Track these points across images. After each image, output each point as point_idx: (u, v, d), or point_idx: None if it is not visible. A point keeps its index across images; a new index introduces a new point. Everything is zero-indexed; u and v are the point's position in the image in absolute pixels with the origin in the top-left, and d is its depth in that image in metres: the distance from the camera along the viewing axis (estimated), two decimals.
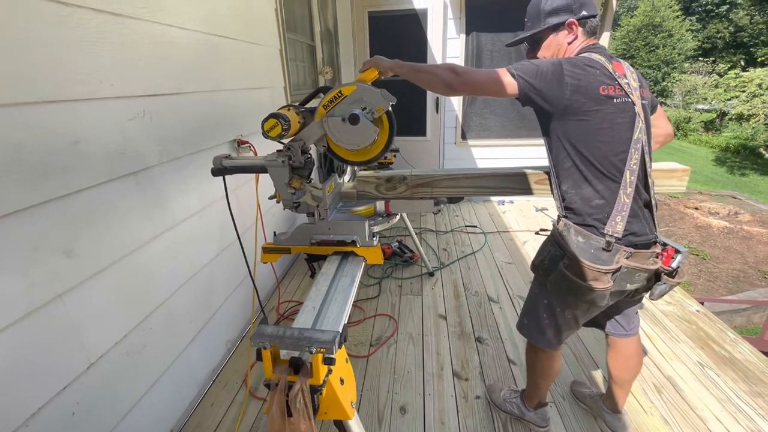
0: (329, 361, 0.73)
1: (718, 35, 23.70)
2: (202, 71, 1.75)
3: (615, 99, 1.08)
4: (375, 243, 1.27)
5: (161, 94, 1.48)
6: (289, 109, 1.32)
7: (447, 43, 4.03)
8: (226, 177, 1.42)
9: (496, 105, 4.23)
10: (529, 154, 4.30)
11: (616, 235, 1.10)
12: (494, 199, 4.53)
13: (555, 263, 1.21)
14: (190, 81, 1.66)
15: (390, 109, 1.21)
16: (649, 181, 1.15)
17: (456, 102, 4.25)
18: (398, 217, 1.41)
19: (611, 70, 1.09)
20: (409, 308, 2.44)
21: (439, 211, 1.39)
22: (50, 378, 1.06)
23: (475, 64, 4.07)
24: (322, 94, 1.32)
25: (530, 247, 3.27)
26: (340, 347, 0.73)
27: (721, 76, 19.28)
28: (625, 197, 1.10)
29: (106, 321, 1.24)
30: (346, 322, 0.89)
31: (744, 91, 14.13)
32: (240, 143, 2.08)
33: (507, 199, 4.49)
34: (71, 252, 1.11)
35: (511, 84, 1.10)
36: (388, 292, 2.63)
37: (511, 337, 2.14)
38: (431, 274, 2.83)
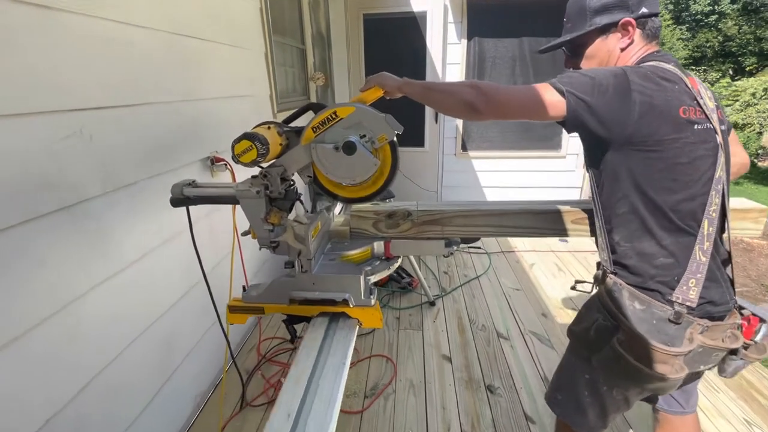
0: None
1: (708, 44, 24.01)
2: (166, 78, 1.47)
3: (696, 125, 0.82)
4: (373, 302, 0.99)
5: (108, 107, 1.19)
6: (269, 128, 1.06)
7: (447, 48, 3.78)
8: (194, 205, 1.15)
9: None
10: (534, 167, 4.07)
11: (688, 304, 0.84)
12: None
13: (605, 336, 0.93)
14: (149, 90, 1.37)
15: (395, 139, 0.97)
16: (727, 231, 0.90)
17: None
18: (399, 261, 1.14)
19: (690, 86, 0.83)
20: (408, 346, 2.16)
21: (451, 254, 1.12)
22: None
23: (477, 72, 3.83)
24: (312, 113, 1.07)
25: (538, 270, 3.02)
26: None
27: (712, 84, 19.45)
28: (702, 255, 0.84)
29: (15, 410, 0.94)
30: None
31: (737, 100, 14.15)
32: (215, 161, 1.79)
33: None
34: None
35: (556, 103, 0.84)
36: (385, 326, 2.34)
37: (526, 385, 1.87)
38: (432, 304, 2.56)
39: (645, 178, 0.85)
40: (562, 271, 2.98)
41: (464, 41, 3.75)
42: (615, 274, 0.94)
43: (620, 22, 0.91)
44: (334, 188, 1.17)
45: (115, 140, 1.22)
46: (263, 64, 2.41)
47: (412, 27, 3.79)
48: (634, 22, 0.90)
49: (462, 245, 3.59)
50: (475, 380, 1.91)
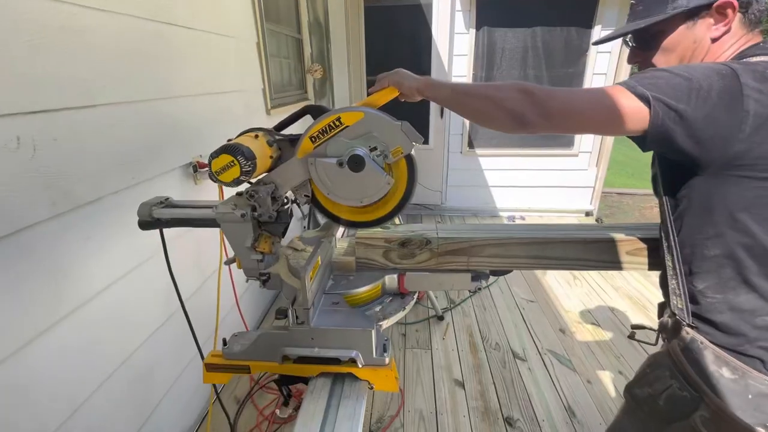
0: None
1: None
2: (136, 72, 1.24)
3: None
4: (387, 360, 0.79)
5: (55, 110, 0.97)
6: (256, 137, 0.86)
7: (454, 38, 3.54)
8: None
9: None
10: (545, 165, 3.85)
11: None
12: (503, 214, 4.08)
13: (680, 409, 0.74)
14: (113, 87, 1.14)
15: (413, 152, 0.81)
16: None
17: None
18: (415, 298, 0.93)
19: None
20: (416, 369, 1.97)
21: (479, 289, 0.91)
22: None
23: (486, 65, 3.59)
24: (311, 118, 0.88)
25: (551, 278, 2.82)
26: None
27: None
28: None
29: None
30: None
31: None
32: (198, 167, 1.57)
33: (517, 214, 4.04)
34: None
35: (635, 113, 0.63)
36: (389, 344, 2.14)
37: (549, 417, 1.68)
38: (441, 318, 2.36)
39: (752, 214, 0.64)
40: (578, 280, 2.79)
41: (472, 31, 3.50)
42: (695, 328, 0.74)
43: (715, 4, 0.69)
44: (336, 210, 0.96)
45: (68, 150, 1.00)
46: (255, 55, 2.18)
47: (416, 16, 3.53)
48: (735, 3, 0.68)
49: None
50: (492, 411, 1.72)
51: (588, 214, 4.05)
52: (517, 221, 3.93)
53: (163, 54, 1.36)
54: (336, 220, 0.98)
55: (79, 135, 1.03)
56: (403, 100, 0.89)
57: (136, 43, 1.23)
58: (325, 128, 0.83)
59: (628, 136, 0.69)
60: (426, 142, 3.88)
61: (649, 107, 0.62)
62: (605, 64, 3.49)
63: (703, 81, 0.61)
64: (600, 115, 0.65)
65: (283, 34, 2.77)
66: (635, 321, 2.33)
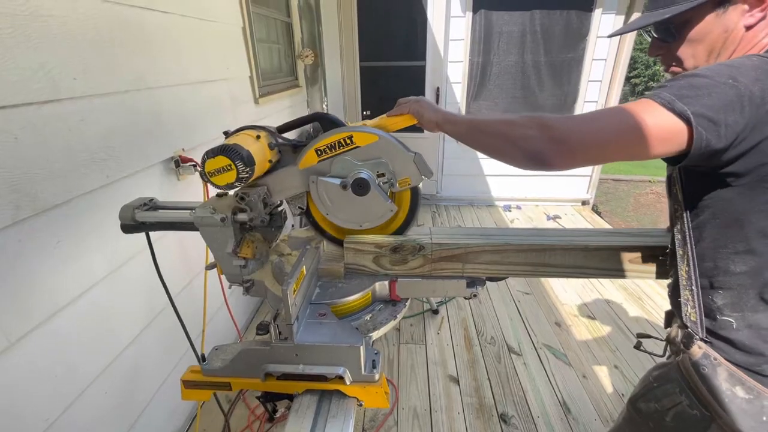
0: None
1: None
2: (106, 62, 1.15)
3: None
4: (377, 377, 0.74)
5: (14, 105, 0.88)
6: (257, 138, 0.79)
7: (450, 22, 3.41)
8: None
9: (504, 94, 3.66)
10: None
11: None
12: (498, 203, 4.03)
13: (688, 427, 0.70)
14: (80, 78, 1.06)
15: (420, 185, 0.82)
16: None
17: (459, 92, 3.66)
18: (408, 305, 0.89)
19: None
20: (410, 365, 1.95)
21: (475, 295, 0.88)
22: None
23: (483, 49, 3.48)
24: (322, 129, 0.82)
25: None
26: None
27: None
28: None
29: None
30: None
31: None
32: (180, 162, 1.49)
33: (513, 204, 4.00)
34: None
35: (673, 134, 0.56)
36: (384, 339, 2.12)
37: (544, 414, 1.67)
38: (435, 312, 2.34)
39: None
40: None
41: (469, 14, 3.37)
42: (708, 343, 0.69)
43: None
44: (332, 230, 0.92)
45: (32, 149, 0.92)
46: (241, 41, 2.07)
47: None
48: None
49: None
50: (487, 407, 1.71)
51: (584, 203, 4.02)
52: (513, 210, 3.89)
53: (137, 41, 1.27)
54: (331, 239, 0.94)
55: (44, 132, 0.95)
56: (418, 126, 0.84)
57: (105, 30, 1.14)
58: (334, 144, 0.78)
59: (665, 159, 0.63)
60: (420, 130, 3.77)
61: (691, 126, 0.55)
62: (605, 50, 3.39)
63: (753, 85, 0.54)
64: (630, 144, 0.58)
65: (272, 18, 2.65)
66: (631, 313, 2.32)
